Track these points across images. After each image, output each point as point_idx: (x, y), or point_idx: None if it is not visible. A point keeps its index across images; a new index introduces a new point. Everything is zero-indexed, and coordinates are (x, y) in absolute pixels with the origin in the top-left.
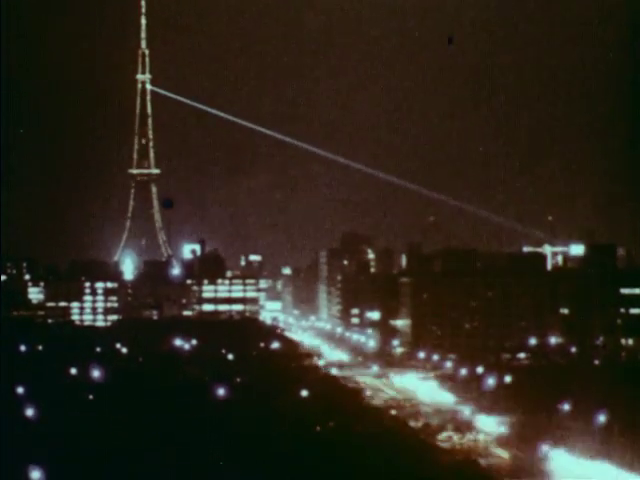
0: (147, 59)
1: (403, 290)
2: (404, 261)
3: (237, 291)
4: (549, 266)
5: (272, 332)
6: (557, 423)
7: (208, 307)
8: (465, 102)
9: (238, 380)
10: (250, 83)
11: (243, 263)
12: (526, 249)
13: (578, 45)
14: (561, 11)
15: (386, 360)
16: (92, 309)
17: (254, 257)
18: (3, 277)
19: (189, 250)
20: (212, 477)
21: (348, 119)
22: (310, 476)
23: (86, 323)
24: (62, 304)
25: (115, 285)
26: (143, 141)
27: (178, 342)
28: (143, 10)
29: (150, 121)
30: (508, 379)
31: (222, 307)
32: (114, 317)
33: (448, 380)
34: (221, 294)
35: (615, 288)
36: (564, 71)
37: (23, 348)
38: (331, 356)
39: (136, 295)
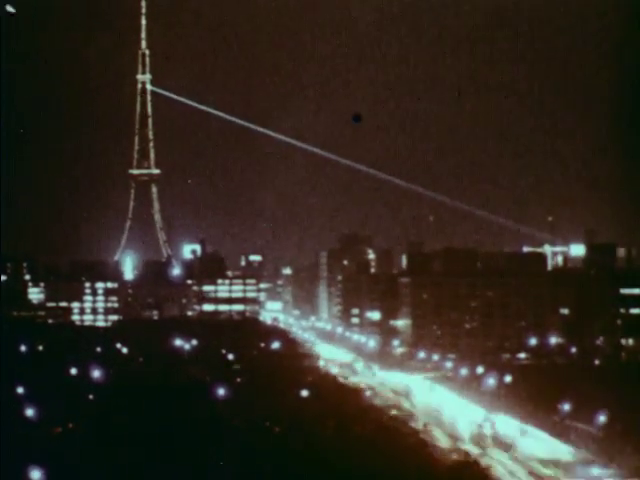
0: (147, 59)
1: (403, 290)
2: (404, 261)
3: (237, 291)
4: (549, 266)
5: (272, 332)
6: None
7: (208, 307)
8: (466, 103)
9: (238, 380)
10: (250, 83)
11: (243, 263)
12: (526, 249)
13: (581, 48)
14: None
15: (386, 360)
16: (92, 309)
17: (254, 257)
18: (3, 277)
19: (189, 250)
20: (212, 477)
21: (348, 120)
22: (311, 476)
23: (86, 323)
24: (62, 304)
25: (115, 285)
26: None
27: (178, 342)
28: (143, 10)
29: (150, 121)
30: (508, 379)
31: (222, 307)
32: (114, 317)
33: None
34: (221, 294)
35: (615, 288)
36: (565, 73)
37: (23, 348)
38: (332, 356)
39: (136, 295)
